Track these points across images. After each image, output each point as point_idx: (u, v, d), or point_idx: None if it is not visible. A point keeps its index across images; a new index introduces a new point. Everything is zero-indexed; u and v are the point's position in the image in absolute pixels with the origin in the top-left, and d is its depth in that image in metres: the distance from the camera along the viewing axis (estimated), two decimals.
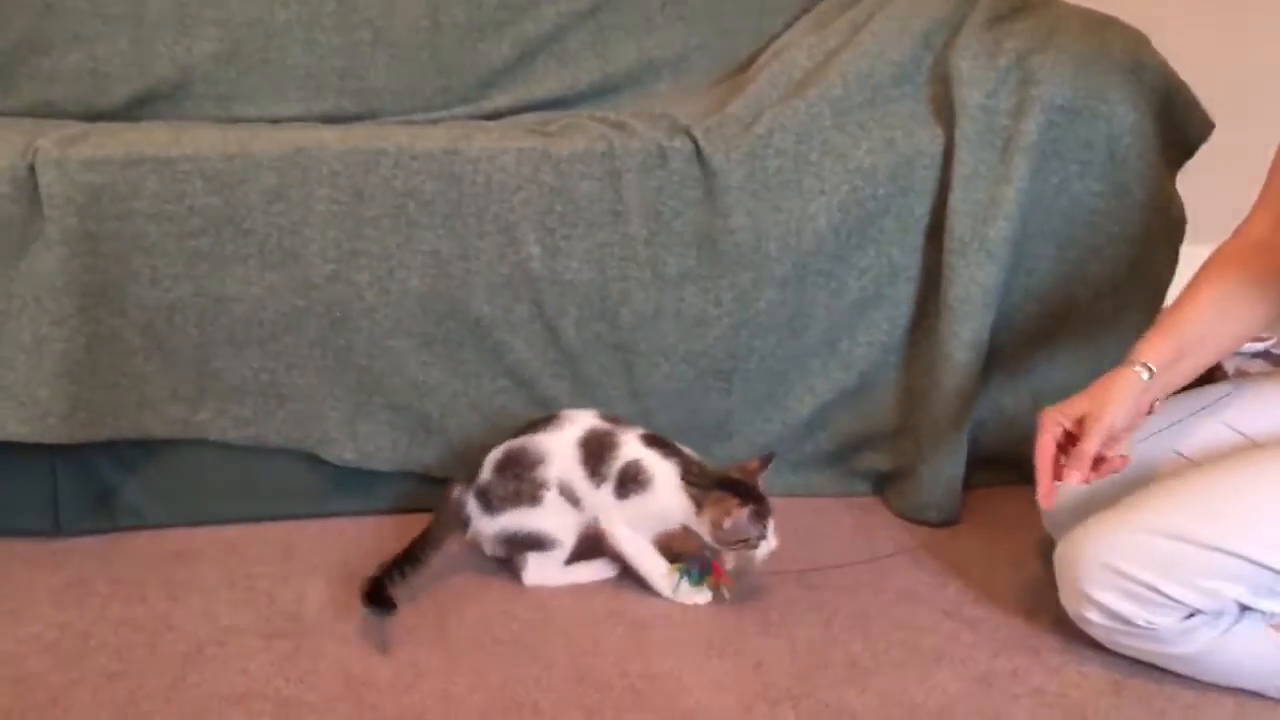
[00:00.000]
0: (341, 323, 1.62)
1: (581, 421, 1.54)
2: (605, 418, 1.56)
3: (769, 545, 1.46)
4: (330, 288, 1.60)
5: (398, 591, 1.43)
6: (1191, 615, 1.27)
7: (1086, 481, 1.31)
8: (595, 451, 1.51)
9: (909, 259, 1.70)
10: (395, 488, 1.73)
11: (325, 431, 1.66)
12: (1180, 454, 1.42)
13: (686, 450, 1.53)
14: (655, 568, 1.51)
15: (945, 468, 1.70)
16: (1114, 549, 1.27)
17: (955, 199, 1.64)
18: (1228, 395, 1.46)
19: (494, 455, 1.54)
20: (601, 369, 1.69)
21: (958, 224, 1.63)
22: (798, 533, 1.68)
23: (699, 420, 1.73)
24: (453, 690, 1.32)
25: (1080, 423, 1.32)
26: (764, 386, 1.72)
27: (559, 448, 1.52)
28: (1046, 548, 1.53)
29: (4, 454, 1.59)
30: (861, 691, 1.32)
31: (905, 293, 1.71)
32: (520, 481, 1.51)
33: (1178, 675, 1.33)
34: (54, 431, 1.56)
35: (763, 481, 1.49)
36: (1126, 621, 1.28)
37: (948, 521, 1.71)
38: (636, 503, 1.49)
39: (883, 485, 1.80)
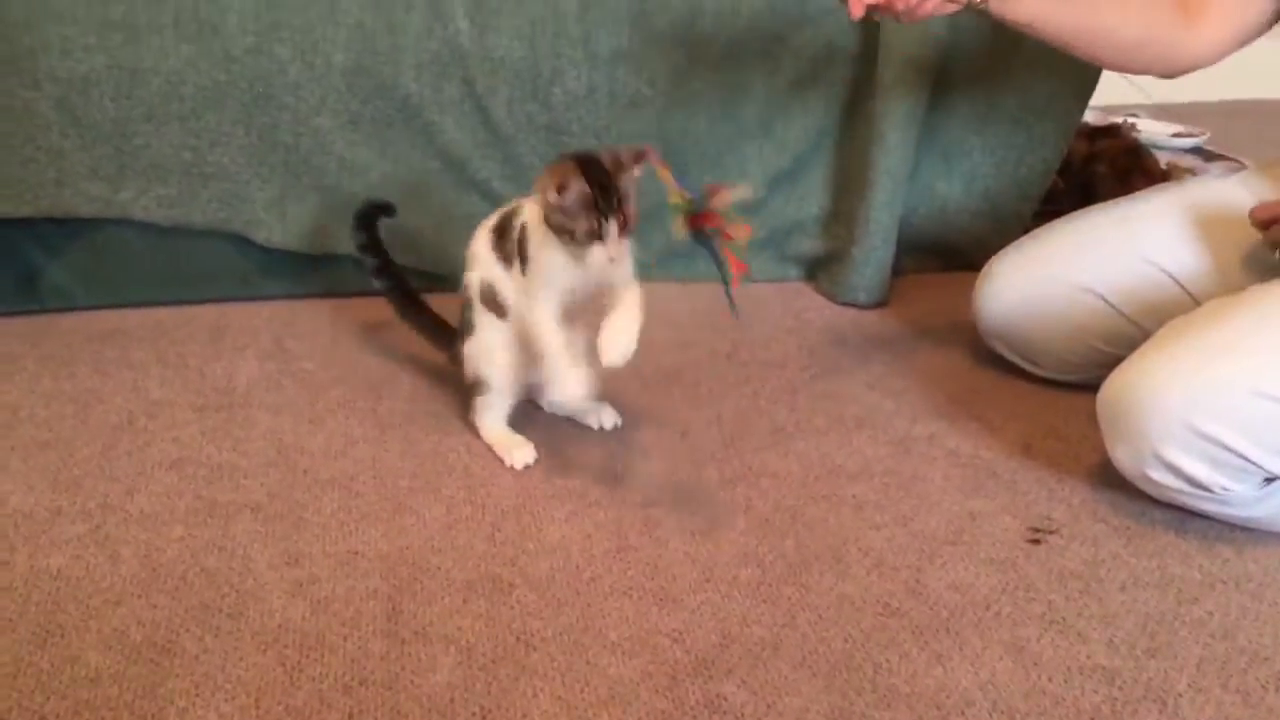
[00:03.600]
0: (264, 99, 1.57)
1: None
2: None
3: (604, 255, 1.15)
4: (251, 61, 1.55)
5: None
6: (1271, 480, 1.14)
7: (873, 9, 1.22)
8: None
9: (846, 39, 1.67)
10: (326, 271, 1.72)
11: (253, 213, 1.64)
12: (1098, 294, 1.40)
13: None
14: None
15: (876, 250, 1.71)
16: (1198, 407, 1.10)
17: None
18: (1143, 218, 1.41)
19: None
20: (532, 150, 1.67)
21: None
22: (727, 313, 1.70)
23: None
24: (384, 457, 1.34)
25: None
26: (698, 170, 1.71)
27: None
28: (970, 331, 1.57)
29: None
30: (784, 455, 1.36)
31: (841, 74, 1.69)
32: None
33: (1082, 435, 1.37)
34: None
35: (629, 177, 1.16)
36: (1199, 485, 1.14)
37: (876, 304, 1.74)
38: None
39: (814, 270, 1.82)
